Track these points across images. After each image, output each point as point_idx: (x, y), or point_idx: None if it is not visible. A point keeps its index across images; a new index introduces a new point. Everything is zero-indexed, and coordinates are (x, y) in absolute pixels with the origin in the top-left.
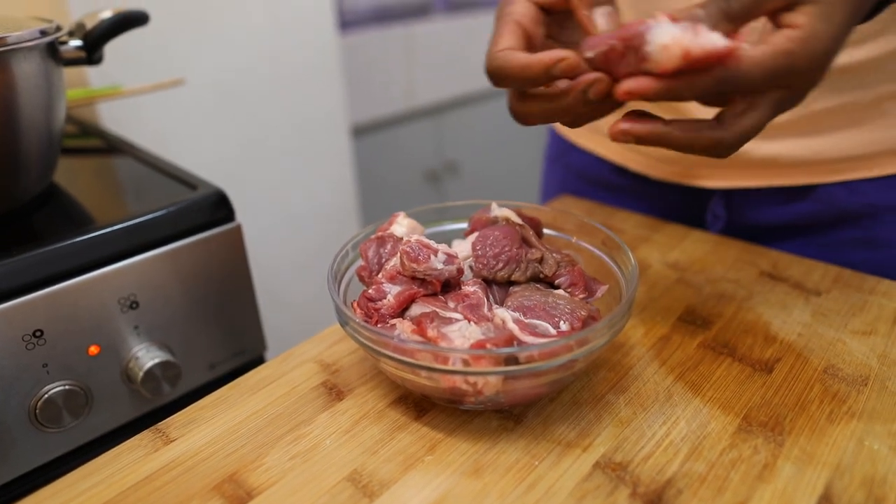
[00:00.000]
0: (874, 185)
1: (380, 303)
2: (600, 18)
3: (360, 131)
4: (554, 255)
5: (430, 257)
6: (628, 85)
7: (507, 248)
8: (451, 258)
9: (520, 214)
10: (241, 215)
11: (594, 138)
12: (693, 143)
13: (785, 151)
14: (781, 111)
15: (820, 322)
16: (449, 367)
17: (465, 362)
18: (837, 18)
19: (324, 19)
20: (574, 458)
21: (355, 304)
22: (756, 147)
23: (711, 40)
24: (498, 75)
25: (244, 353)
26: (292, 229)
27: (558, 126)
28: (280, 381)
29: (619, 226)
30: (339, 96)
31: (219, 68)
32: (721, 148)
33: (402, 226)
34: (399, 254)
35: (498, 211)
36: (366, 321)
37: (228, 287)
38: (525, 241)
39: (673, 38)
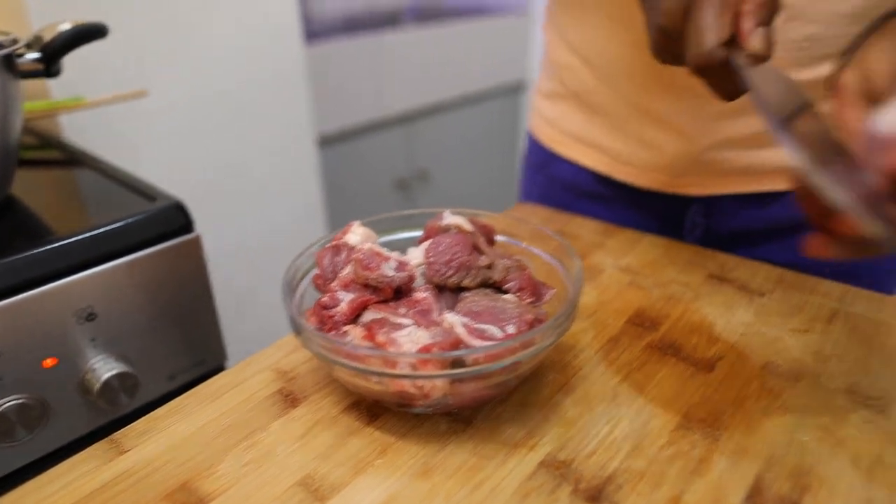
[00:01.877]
0: None
1: (334, 310)
2: (757, 38)
3: (331, 140)
4: (503, 261)
5: (381, 265)
6: None
7: (457, 255)
8: (402, 265)
9: (473, 222)
10: (207, 226)
11: (578, 148)
12: None
13: (766, 159)
14: None
15: (762, 321)
16: (397, 371)
17: (413, 366)
18: None
19: (290, 30)
20: (520, 457)
21: (310, 312)
22: (738, 156)
23: None
24: (707, 69)
25: (204, 363)
26: (259, 239)
27: (540, 134)
28: (237, 389)
29: (576, 232)
30: (305, 107)
31: (184, 79)
32: None
33: (356, 234)
34: (352, 262)
35: (450, 219)
36: (320, 328)
37: (188, 297)
38: (476, 248)
39: None
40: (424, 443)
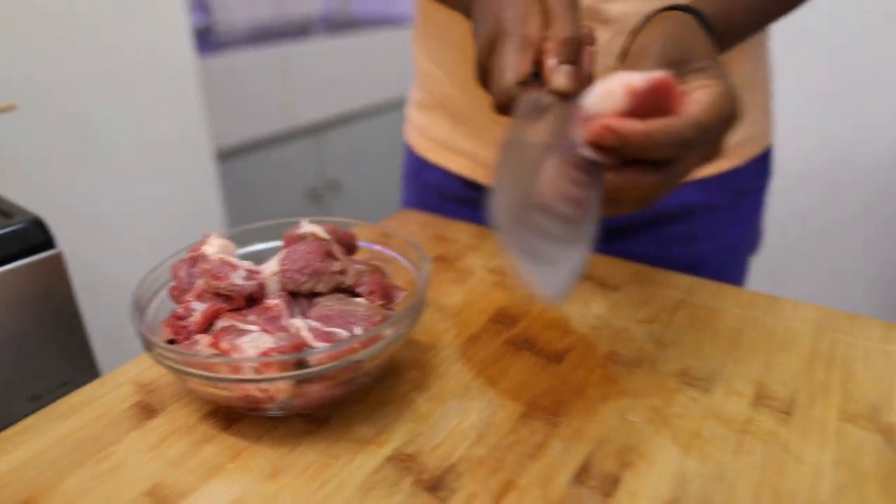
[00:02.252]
0: (691, 186)
1: (187, 320)
2: (560, 76)
3: (240, 151)
4: (356, 266)
5: (230, 274)
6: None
7: (311, 262)
8: (251, 274)
9: (333, 231)
10: (93, 243)
11: (446, 155)
12: (640, 181)
13: None
14: (710, 159)
15: (613, 314)
16: (240, 376)
17: (256, 370)
18: (727, 72)
19: (179, 43)
20: (369, 454)
21: (165, 323)
22: None
23: (648, 73)
24: (506, 107)
25: (73, 382)
26: (154, 255)
27: (413, 143)
28: (94, 404)
29: (454, 236)
30: (199, 119)
31: (61, 94)
32: (659, 190)
33: (213, 245)
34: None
35: (307, 227)
36: (174, 339)
37: (52, 315)
38: (330, 255)
39: (607, 82)
40: (278, 445)
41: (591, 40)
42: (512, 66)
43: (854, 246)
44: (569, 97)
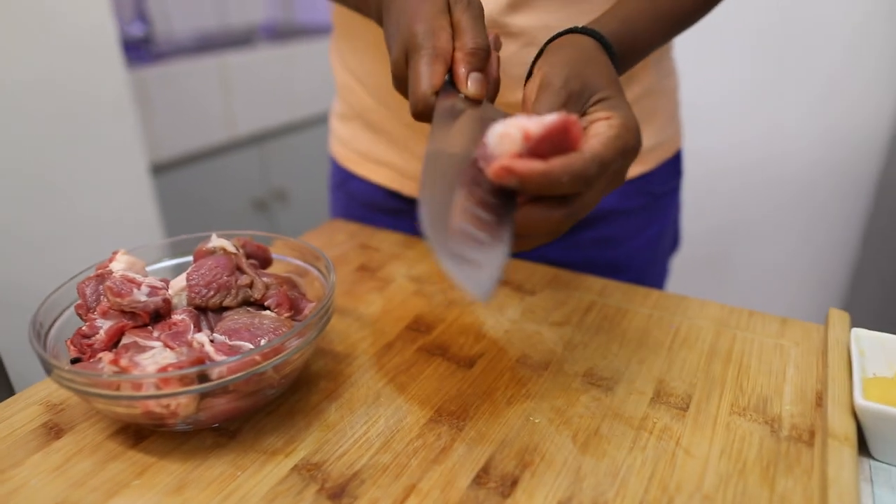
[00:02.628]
0: None
1: (92, 338)
2: (472, 83)
3: (181, 163)
4: (264, 279)
5: (132, 291)
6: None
7: (218, 276)
8: (155, 290)
9: (245, 244)
10: (18, 260)
11: (369, 167)
12: (546, 217)
13: None
14: (614, 186)
15: (527, 318)
16: (139, 393)
17: (156, 386)
18: (627, 102)
19: (107, 56)
20: (275, 464)
21: (70, 342)
22: None
23: (545, 118)
24: (423, 115)
25: None
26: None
27: (337, 154)
28: None
29: (377, 245)
30: (131, 133)
31: None
32: (565, 223)
33: (120, 262)
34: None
35: (216, 242)
36: (79, 357)
37: None
38: (238, 269)
39: (506, 125)
40: (185, 459)
41: (497, 46)
42: (426, 76)
43: (774, 245)
44: (480, 101)
